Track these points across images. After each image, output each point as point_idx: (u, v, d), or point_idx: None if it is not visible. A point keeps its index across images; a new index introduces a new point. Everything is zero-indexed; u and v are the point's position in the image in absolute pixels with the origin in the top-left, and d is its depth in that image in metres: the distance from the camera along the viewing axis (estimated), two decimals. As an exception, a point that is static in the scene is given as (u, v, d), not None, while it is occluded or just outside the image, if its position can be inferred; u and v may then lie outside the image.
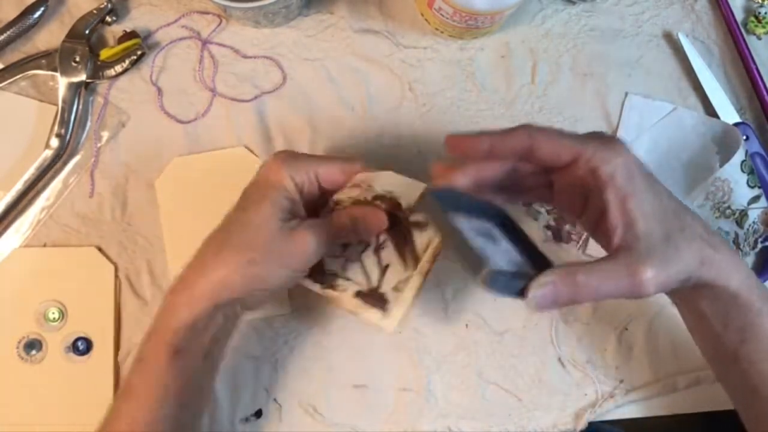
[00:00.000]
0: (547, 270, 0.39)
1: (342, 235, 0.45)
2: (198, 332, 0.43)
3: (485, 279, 0.37)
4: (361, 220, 0.45)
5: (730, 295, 0.41)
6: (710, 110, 0.58)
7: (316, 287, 0.46)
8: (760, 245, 0.56)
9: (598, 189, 0.40)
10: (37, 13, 0.55)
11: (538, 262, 0.44)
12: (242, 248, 0.42)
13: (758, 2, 0.59)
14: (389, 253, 0.46)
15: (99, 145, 0.56)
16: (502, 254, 0.42)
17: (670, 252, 0.39)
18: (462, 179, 0.43)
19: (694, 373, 0.56)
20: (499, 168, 0.43)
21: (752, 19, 0.59)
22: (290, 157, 0.45)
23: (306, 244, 0.43)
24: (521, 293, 0.39)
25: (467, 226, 0.42)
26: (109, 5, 0.55)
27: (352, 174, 0.46)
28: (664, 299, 0.57)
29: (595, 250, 0.57)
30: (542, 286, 0.39)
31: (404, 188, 0.46)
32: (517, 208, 0.57)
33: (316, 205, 0.47)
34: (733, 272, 0.41)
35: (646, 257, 0.38)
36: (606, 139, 0.41)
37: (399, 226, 0.46)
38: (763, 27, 0.59)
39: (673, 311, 0.56)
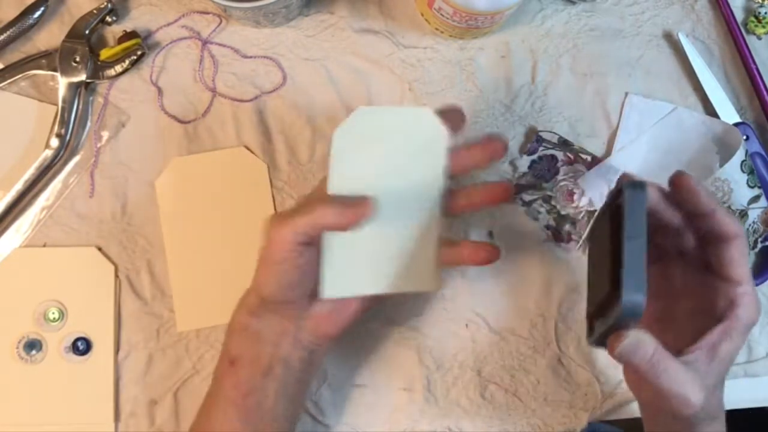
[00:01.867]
0: (643, 332, 0.39)
1: (327, 224, 0.44)
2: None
3: (632, 306, 0.37)
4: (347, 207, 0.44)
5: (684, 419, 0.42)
6: (710, 110, 0.58)
7: None
8: (760, 245, 0.56)
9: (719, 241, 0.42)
10: (37, 13, 0.55)
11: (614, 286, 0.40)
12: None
13: (758, 2, 0.59)
14: None
15: (99, 145, 0.56)
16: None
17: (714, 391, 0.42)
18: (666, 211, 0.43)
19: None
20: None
21: (752, 19, 0.59)
22: (283, 220, 0.44)
23: (281, 238, 0.43)
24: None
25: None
26: (109, 5, 0.55)
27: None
28: (664, 299, 0.57)
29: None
30: (635, 341, 0.39)
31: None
32: (517, 208, 0.57)
33: None
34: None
35: (701, 382, 0.40)
36: None
37: None
38: (763, 27, 0.59)
39: (673, 311, 0.56)
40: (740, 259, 0.41)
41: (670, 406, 0.40)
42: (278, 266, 0.43)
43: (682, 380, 0.39)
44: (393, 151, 0.46)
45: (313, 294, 0.46)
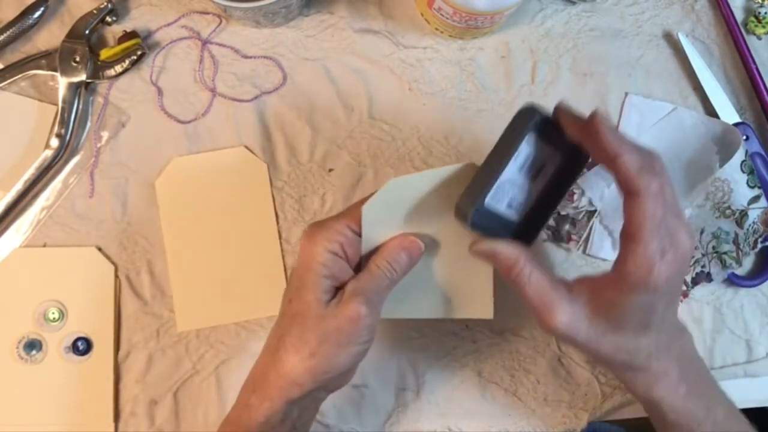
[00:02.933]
0: (506, 241, 0.42)
1: (389, 281, 0.44)
2: (272, 427, 0.43)
3: (463, 214, 0.41)
4: (397, 256, 0.44)
5: (653, 401, 0.43)
6: (710, 110, 0.58)
7: None
8: (760, 245, 0.56)
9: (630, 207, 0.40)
10: (37, 13, 0.55)
11: (533, 217, 0.45)
12: (297, 344, 0.42)
13: (758, 2, 0.59)
14: None
15: (99, 145, 0.56)
16: (522, 191, 0.44)
17: (597, 337, 0.41)
18: (574, 129, 0.41)
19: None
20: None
21: (752, 19, 0.59)
22: (317, 228, 0.43)
23: (355, 313, 0.41)
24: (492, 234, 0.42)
25: (527, 153, 0.43)
26: (109, 5, 0.55)
27: None
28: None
29: (595, 251, 0.57)
30: (489, 248, 0.42)
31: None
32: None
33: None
34: (658, 383, 0.42)
35: (570, 308, 0.40)
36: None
37: None
38: (763, 27, 0.59)
39: (673, 311, 0.56)
40: (644, 218, 0.38)
41: (537, 317, 0.41)
42: (360, 348, 0.42)
43: (548, 298, 0.40)
44: (426, 206, 0.46)
45: None
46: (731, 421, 0.44)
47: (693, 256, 0.57)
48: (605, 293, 0.40)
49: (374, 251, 0.45)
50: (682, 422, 0.43)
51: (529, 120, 0.42)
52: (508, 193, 0.43)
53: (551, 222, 0.57)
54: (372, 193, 0.44)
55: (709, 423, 0.43)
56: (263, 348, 0.45)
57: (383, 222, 0.45)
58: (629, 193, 0.39)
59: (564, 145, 0.43)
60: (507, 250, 0.41)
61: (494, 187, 0.42)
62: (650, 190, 0.38)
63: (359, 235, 0.44)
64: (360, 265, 0.45)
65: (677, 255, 0.39)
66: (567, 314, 0.40)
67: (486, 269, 0.47)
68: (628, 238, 0.39)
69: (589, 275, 0.42)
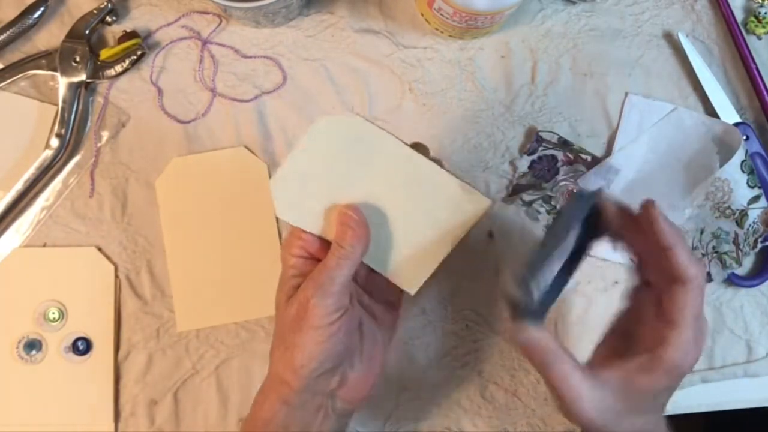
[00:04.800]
0: (541, 330, 0.40)
1: (336, 260, 0.43)
2: (278, 426, 0.43)
3: (515, 316, 0.40)
4: (339, 237, 0.44)
5: None
6: (710, 110, 0.58)
7: None
8: (760, 245, 0.56)
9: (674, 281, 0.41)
10: (37, 13, 0.55)
11: (552, 289, 0.44)
12: (276, 342, 0.45)
13: (758, 2, 0.59)
14: None
15: (99, 145, 0.56)
16: (550, 270, 0.43)
17: (618, 419, 0.40)
18: (618, 219, 0.43)
19: (693, 374, 0.56)
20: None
21: (752, 19, 0.59)
22: (288, 235, 0.46)
23: (304, 298, 0.42)
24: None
25: (572, 240, 0.43)
26: (109, 5, 0.55)
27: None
28: (664, 299, 0.57)
29: (594, 251, 0.57)
30: (527, 335, 0.40)
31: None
32: (517, 208, 0.57)
33: None
34: None
35: (598, 398, 0.40)
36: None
37: None
38: (763, 27, 0.59)
39: (673, 311, 0.56)
40: (687, 306, 0.40)
41: (558, 402, 0.40)
42: (322, 332, 0.42)
43: (574, 386, 0.39)
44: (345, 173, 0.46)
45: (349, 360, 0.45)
46: None
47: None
48: (639, 380, 0.40)
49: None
50: None
51: (585, 207, 0.42)
52: (540, 280, 0.42)
53: (551, 222, 0.57)
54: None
55: None
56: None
57: (307, 197, 0.45)
58: (679, 280, 0.40)
59: (585, 225, 0.43)
60: (543, 339, 0.40)
61: (536, 277, 0.41)
62: (698, 280, 0.40)
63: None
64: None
65: (703, 342, 0.41)
66: (594, 404, 0.39)
67: (439, 250, 0.47)
68: (669, 324, 0.40)
69: (617, 362, 0.41)
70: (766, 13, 0.59)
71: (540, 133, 0.57)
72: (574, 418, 0.40)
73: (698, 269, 0.40)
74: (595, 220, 0.43)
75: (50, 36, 0.56)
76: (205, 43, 0.57)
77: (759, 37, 0.60)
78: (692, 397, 0.56)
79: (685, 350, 0.40)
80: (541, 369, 0.40)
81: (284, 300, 0.44)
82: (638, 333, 0.42)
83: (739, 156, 0.55)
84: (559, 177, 0.57)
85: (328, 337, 0.42)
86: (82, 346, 0.54)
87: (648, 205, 0.42)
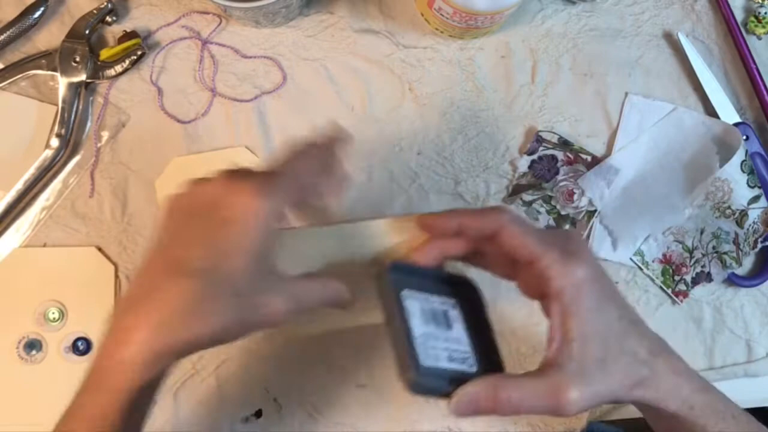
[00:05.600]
0: (473, 381, 0.39)
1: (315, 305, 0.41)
2: (155, 383, 0.39)
3: (408, 382, 0.38)
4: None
5: (670, 415, 0.41)
6: (710, 110, 0.58)
7: None
8: (760, 245, 0.56)
9: (546, 297, 0.40)
10: (37, 13, 0.55)
11: (485, 354, 0.42)
12: (217, 313, 0.37)
13: (758, 2, 0.59)
14: None
15: (99, 145, 0.56)
16: (449, 342, 0.41)
17: (599, 375, 0.39)
18: (423, 258, 0.42)
19: (694, 373, 0.56)
20: (465, 246, 0.42)
21: (752, 19, 0.59)
22: (270, 185, 0.38)
23: (276, 315, 0.38)
24: (448, 395, 0.39)
25: (419, 306, 0.41)
26: (109, 5, 0.55)
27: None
28: (660, 301, 0.57)
29: (595, 251, 0.57)
30: (465, 396, 0.38)
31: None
32: (517, 208, 0.57)
33: None
34: (671, 393, 0.41)
35: (573, 378, 0.38)
36: (569, 250, 0.40)
37: None
38: (763, 27, 0.59)
39: (668, 312, 0.56)
40: (522, 238, 0.39)
41: (553, 414, 0.39)
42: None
43: (539, 394, 0.38)
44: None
45: None
46: (740, 412, 0.43)
47: (693, 256, 0.57)
48: (567, 330, 0.39)
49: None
50: (710, 422, 0.41)
51: (386, 278, 0.40)
52: (437, 348, 0.41)
53: (551, 222, 0.57)
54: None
55: (730, 415, 0.42)
56: (161, 294, 0.37)
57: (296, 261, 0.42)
58: (492, 238, 0.40)
59: (443, 286, 0.43)
60: (479, 386, 0.38)
61: (417, 346, 0.39)
62: (503, 219, 0.40)
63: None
64: None
65: (578, 249, 0.40)
66: (570, 385, 0.38)
67: None
68: (529, 266, 0.39)
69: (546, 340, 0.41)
70: (766, 13, 0.59)
71: (540, 133, 0.57)
72: (572, 412, 0.38)
73: (494, 216, 0.40)
74: (417, 280, 0.41)
75: (50, 36, 0.56)
76: (205, 43, 0.57)
77: (759, 37, 0.60)
78: (692, 397, 0.56)
79: (563, 267, 0.39)
80: (509, 407, 0.38)
81: (252, 270, 0.37)
82: None
83: (739, 156, 0.55)
84: (559, 177, 0.57)
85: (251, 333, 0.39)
86: (82, 346, 0.54)
87: (418, 218, 0.41)
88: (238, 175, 0.39)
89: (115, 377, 0.36)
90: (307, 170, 0.41)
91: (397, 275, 0.41)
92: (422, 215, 0.42)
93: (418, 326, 0.40)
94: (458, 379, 0.39)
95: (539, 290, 0.40)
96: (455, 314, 0.43)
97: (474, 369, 0.41)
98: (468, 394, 0.38)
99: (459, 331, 0.42)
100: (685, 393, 0.41)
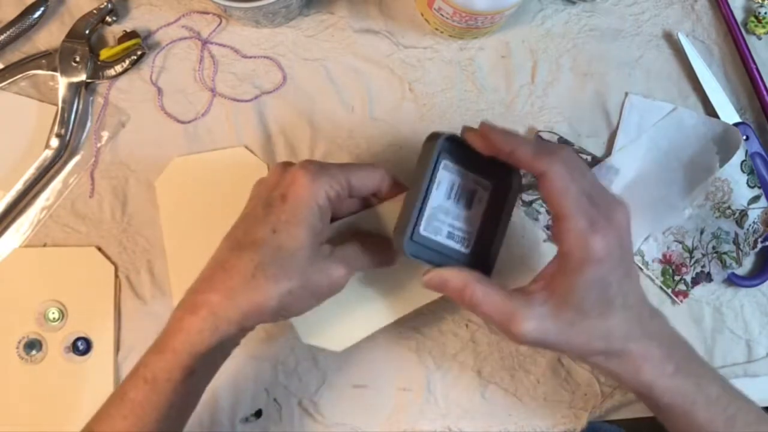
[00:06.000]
0: (450, 269, 0.43)
1: (367, 266, 0.45)
2: (217, 354, 0.42)
3: (397, 244, 0.43)
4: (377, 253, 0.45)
5: (643, 386, 0.42)
6: (710, 110, 0.58)
7: None
8: (760, 245, 0.56)
9: (558, 251, 0.41)
10: (37, 13, 0.55)
11: (488, 240, 0.46)
12: (280, 277, 0.40)
13: (758, 2, 0.59)
14: None
15: (99, 145, 0.56)
16: (458, 220, 0.45)
17: (561, 329, 0.40)
18: (479, 144, 0.43)
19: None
20: (516, 166, 0.43)
21: (752, 19, 0.59)
22: (321, 169, 0.42)
23: (339, 278, 0.42)
24: (432, 264, 0.44)
25: (450, 179, 0.44)
26: (109, 5, 0.55)
27: (384, 181, 0.45)
28: (660, 301, 0.57)
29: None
30: (437, 277, 0.43)
31: None
32: (517, 208, 0.57)
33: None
34: (633, 375, 0.42)
35: (534, 316, 0.40)
36: (599, 223, 0.40)
37: None
38: (763, 27, 0.59)
39: (668, 312, 0.56)
40: (557, 196, 0.39)
41: (505, 333, 0.41)
42: (316, 303, 0.43)
43: (507, 308, 0.40)
44: None
45: None
46: (727, 397, 0.43)
47: (693, 257, 0.57)
48: (557, 282, 0.40)
49: (369, 231, 0.46)
50: (677, 403, 0.42)
51: (436, 143, 0.43)
52: (444, 222, 0.44)
53: (551, 222, 0.57)
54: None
55: (702, 401, 0.42)
56: (218, 268, 0.42)
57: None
58: (537, 177, 0.40)
59: (489, 169, 0.45)
60: (454, 275, 0.42)
61: (424, 216, 0.43)
62: (553, 168, 0.40)
63: (350, 195, 0.45)
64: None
65: (611, 226, 0.40)
66: (530, 318, 0.40)
67: (378, 320, 0.48)
68: (555, 219, 0.40)
69: (539, 274, 0.43)
70: (766, 13, 0.59)
71: (540, 133, 0.57)
72: (521, 339, 0.40)
73: (549, 158, 0.40)
74: (468, 156, 0.44)
75: (50, 36, 0.56)
76: (205, 43, 0.57)
77: (759, 37, 0.60)
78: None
79: (582, 236, 0.39)
80: (471, 303, 0.41)
81: (306, 240, 0.41)
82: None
83: (739, 156, 0.55)
84: (559, 177, 0.57)
85: (315, 306, 0.43)
86: (82, 346, 0.54)
87: (481, 125, 0.42)
88: (293, 162, 0.44)
89: (181, 338, 0.40)
90: (360, 176, 0.44)
91: (448, 145, 0.43)
92: (486, 124, 0.42)
93: (436, 197, 0.44)
94: (446, 255, 0.45)
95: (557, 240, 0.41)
96: (483, 196, 0.46)
97: (466, 251, 0.46)
98: (441, 275, 0.43)
99: (476, 213, 0.46)
100: (647, 378, 0.42)
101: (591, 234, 0.39)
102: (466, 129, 0.43)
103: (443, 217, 0.44)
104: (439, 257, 0.44)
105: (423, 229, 0.43)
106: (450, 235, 0.45)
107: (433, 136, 0.44)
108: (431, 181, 0.43)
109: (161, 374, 0.41)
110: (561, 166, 0.40)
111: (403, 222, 0.43)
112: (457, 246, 0.45)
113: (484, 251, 0.46)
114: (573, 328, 0.40)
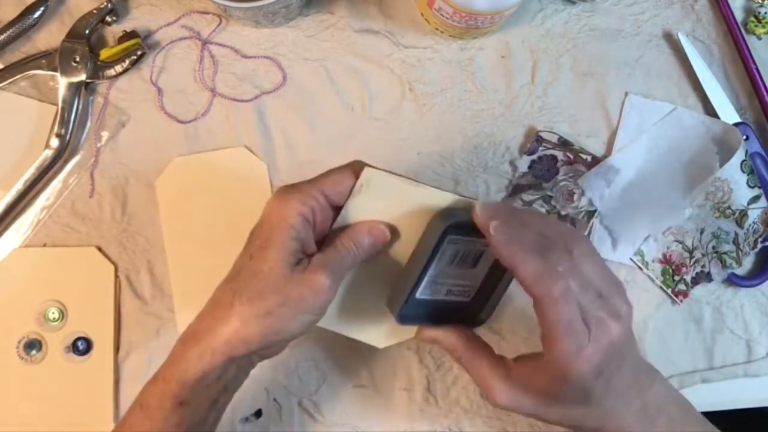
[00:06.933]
0: (446, 330, 0.45)
1: (350, 261, 0.43)
2: (207, 385, 0.42)
3: (393, 314, 0.44)
4: (361, 238, 0.44)
5: None
6: (710, 110, 0.58)
7: None
8: (760, 245, 0.56)
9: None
10: (37, 13, 0.55)
11: (489, 287, 0.47)
12: (255, 300, 0.40)
13: (758, 2, 0.59)
14: None
15: (99, 145, 0.56)
16: (460, 278, 0.46)
17: (536, 401, 0.42)
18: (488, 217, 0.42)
19: (690, 374, 0.56)
20: None
21: (752, 19, 0.59)
22: (290, 190, 0.42)
23: (320, 285, 0.41)
24: (431, 323, 0.46)
25: (455, 249, 0.44)
26: (109, 5, 0.55)
27: (355, 171, 0.44)
28: (660, 301, 0.57)
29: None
30: (429, 338, 0.46)
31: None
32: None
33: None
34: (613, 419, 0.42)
35: (513, 389, 0.43)
36: (553, 262, 0.40)
37: None
38: (763, 27, 0.59)
39: (668, 312, 0.56)
40: (550, 321, 0.39)
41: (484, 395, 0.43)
42: (308, 315, 0.42)
43: (488, 380, 0.43)
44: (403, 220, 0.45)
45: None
46: None
47: (693, 256, 0.57)
48: (540, 378, 0.41)
49: (341, 229, 0.44)
50: None
51: (443, 224, 0.42)
52: (444, 284, 0.45)
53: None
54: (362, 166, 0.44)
55: None
56: (209, 303, 0.43)
57: (364, 211, 0.44)
58: (533, 299, 0.40)
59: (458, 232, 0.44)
60: (445, 337, 0.45)
61: (422, 283, 0.44)
62: (552, 296, 0.39)
63: (331, 205, 0.43)
64: (324, 238, 0.45)
65: (600, 345, 0.39)
66: (507, 394, 0.43)
67: None
68: (542, 338, 0.40)
69: (527, 356, 0.43)
70: (766, 13, 0.59)
71: (540, 133, 0.57)
72: (495, 405, 0.44)
73: (551, 282, 0.38)
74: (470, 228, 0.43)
75: (50, 36, 0.56)
76: (205, 43, 0.57)
77: (759, 37, 0.60)
78: (692, 397, 0.56)
79: (566, 361, 0.39)
80: (459, 363, 0.45)
81: (280, 261, 0.41)
82: None
83: (739, 156, 0.55)
84: (559, 177, 0.57)
85: (313, 323, 0.43)
86: (82, 346, 0.54)
87: (486, 232, 0.41)
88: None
89: (171, 367, 0.42)
90: (329, 184, 0.44)
91: (453, 225, 0.43)
92: (485, 205, 0.42)
93: (437, 266, 0.44)
94: (443, 311, 0.46)
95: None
96: (489, 255, 0.46)
97: (466, 299, 0.47)
98: (432, 336, 0.46)
99: (482, 269, 0.46)
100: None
101: (574, 360, 0.39)
102: (476, 214, 0.42)
103: (443, 279, 0.45)
104: (436, 315, 0.45)
105: (420, 294, 0.44)
106: (449, 293, 0.46)
107: (441, 216, 0.43)
108: (433, 255, 0.43)
109: (153, 401, 0.42)
110: (561, 292, 0.39)
111: (397, 292, 0.44)
112: (457, 298, 0.46)
113: (486, 297, 0.47)
114: (549, 409, 0.42)
